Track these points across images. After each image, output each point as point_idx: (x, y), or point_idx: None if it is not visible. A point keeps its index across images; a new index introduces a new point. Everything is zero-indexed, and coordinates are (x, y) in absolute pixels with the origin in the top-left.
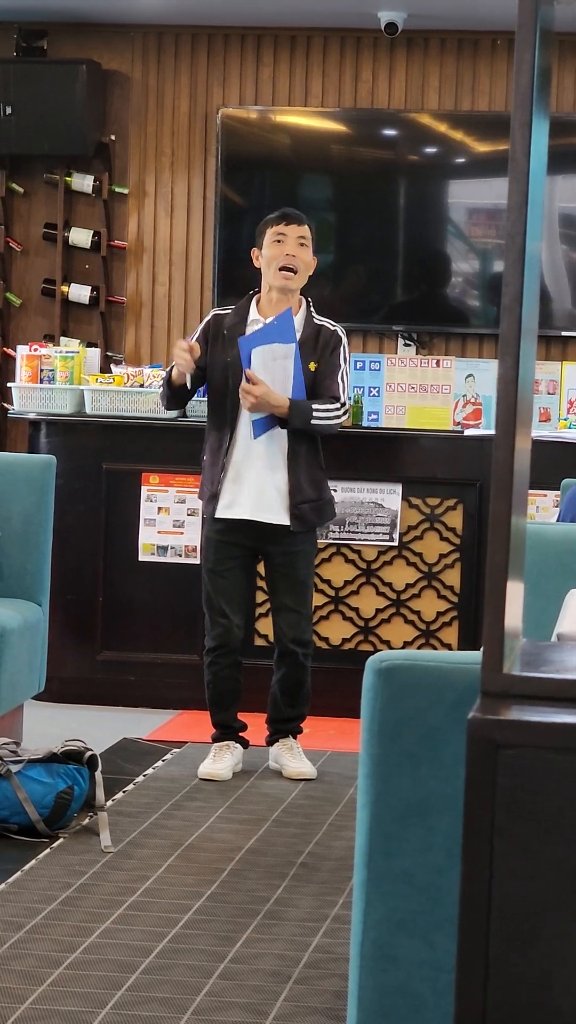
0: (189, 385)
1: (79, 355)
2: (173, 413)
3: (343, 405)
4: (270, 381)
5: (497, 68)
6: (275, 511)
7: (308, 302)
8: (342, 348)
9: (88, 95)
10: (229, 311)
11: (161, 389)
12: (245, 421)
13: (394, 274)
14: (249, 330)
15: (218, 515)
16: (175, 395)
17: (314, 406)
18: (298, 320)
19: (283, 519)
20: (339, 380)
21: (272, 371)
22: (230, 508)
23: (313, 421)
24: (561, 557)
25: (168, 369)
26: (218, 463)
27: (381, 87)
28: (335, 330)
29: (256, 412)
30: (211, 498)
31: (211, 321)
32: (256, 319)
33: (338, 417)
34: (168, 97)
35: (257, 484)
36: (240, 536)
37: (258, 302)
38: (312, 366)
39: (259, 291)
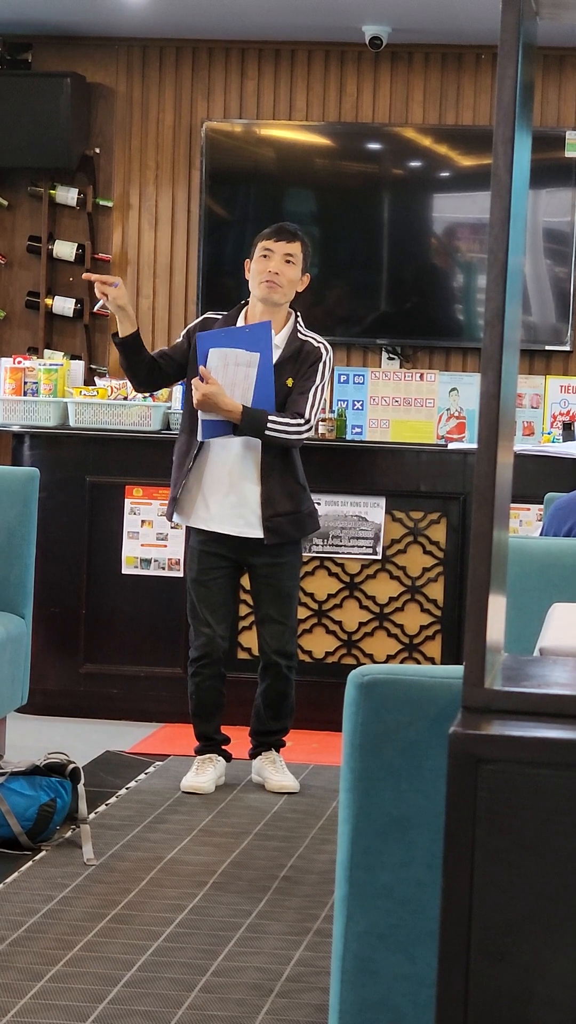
0: (130, 336)
1: (63, 368)
2: (157, 425)
3: (306, 422)
4: (228, 385)
5: (481, 82)
6: (247, 524)
7: (296, 316)
8: (321, 364)
9: (73, 108)
10: (220, 317)
11: (123, 365)
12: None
13: (378, 287)
14: None
15: (192, 525)
16: (130, 361)
17: (271, 418)
18: (283, 335)
19: (256, 532)
20: (308, 396)
21: (232, 376)
22: (203, 519)
23: (267, 432)
24: (544, 571)
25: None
26: (183, 467)
27: (365, 101)
28: (319, 346)
29: (204, 411)
30: (171, 501)
31: (200, 323)
32: (242, 326)
33: (297, 433)
34: (152, 110)
35: (225, 495)
36: (223, 548)
37: (247, 313)
38: (290, 381)
39: (247, 304)
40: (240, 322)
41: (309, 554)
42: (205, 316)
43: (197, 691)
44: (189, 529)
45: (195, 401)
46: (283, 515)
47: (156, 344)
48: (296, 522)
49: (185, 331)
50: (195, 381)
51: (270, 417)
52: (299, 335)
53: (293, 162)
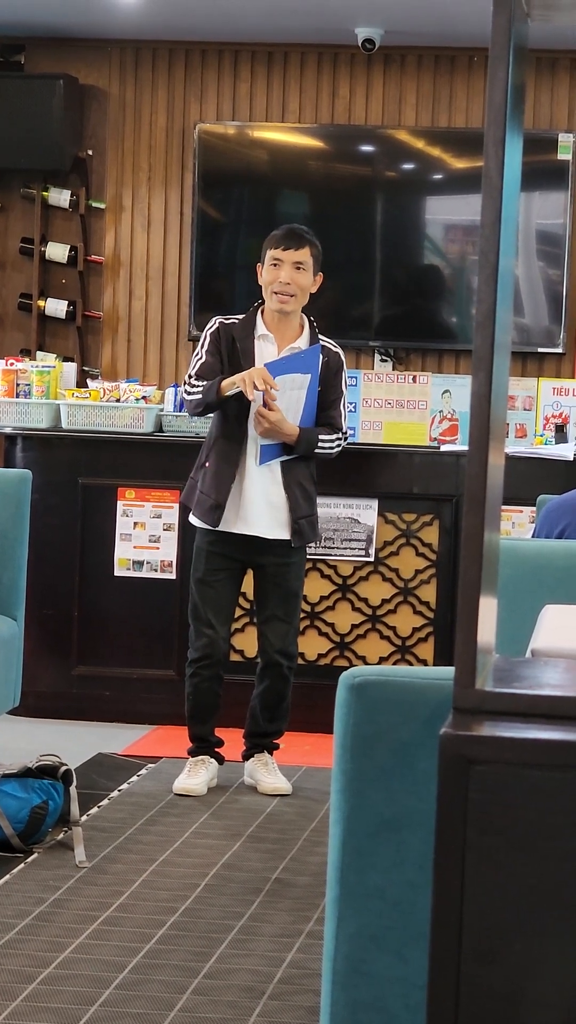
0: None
1: (55, 370)
2: (149, 427)
3: (343, 434)
4: (284, 409)
5: (474, 85)
6: (276, 526)
7: (311, 322)
8: (344, 372)
9: (65, 110)
10: (235, 321)
11: (198, 395)
12: (253, 437)
13: (371, 290)
14: (259, 346)
15: (221, 528)
16: (217, 405)
17: (321, 437)
18: (304, 342)
19: (284, 534)
20: (341, 409)
21: (287, 399)
22: (232, 523)
23: (316, 450)
24: (536, 573)
25: (220, 378)
26: (226, 473)
27: (358, 103)
28: (337, 352)
29: (266, 437)
30: (214, 507)
31: (220, 329)
32: (264, 334)
33: (339, 446)
34: (145, 112)
35: (258, 499)
36: (232, 548)
37: (263, 314)
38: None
39: (263, 304)
40: (260, 327)
41: None
42: (219, 322)
43: (195, 692)
44: (195, 529)
45: (260, 429)
46: (304, 517)
47: (149, 346)
48: (312, 524)
49: (211, 339)
50: (261, 410)
51: (320, 436)
52: (319, 341)
53: (286, 164)
